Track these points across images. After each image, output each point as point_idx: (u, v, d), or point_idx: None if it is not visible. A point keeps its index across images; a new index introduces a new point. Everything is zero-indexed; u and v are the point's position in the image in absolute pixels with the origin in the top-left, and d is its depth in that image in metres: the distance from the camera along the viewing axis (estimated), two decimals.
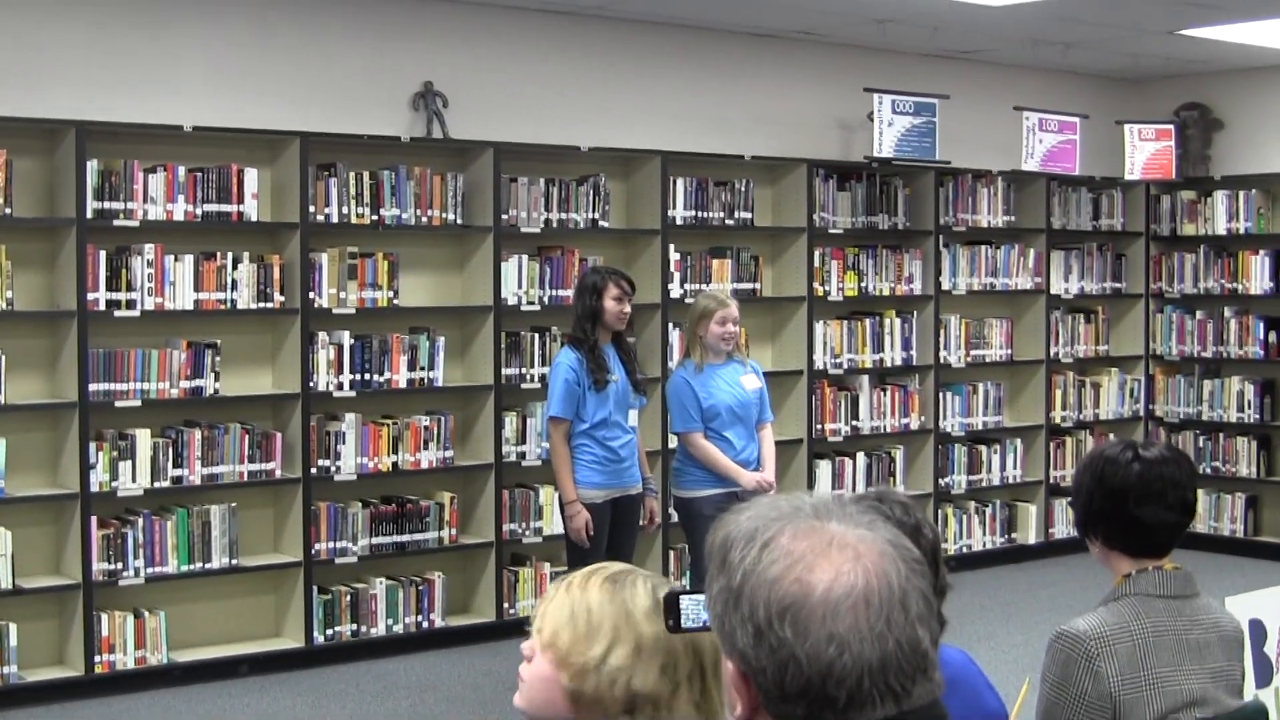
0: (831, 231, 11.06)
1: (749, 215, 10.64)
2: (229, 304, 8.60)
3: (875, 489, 3.27)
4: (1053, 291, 12.43)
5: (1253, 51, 11.63)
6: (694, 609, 2.28)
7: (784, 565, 1.76)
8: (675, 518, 8.95)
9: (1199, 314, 12.77)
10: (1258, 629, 4.99)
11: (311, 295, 8.84)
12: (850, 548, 1.77)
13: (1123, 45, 11.51)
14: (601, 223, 9.94)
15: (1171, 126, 12.52)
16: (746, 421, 8.39)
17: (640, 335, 9.90)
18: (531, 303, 9.63)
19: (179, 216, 8.44)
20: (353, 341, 9.02)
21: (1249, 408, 12.45)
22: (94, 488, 8.22)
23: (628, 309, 8.10)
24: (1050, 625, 9.81)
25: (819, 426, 11.00)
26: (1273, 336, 12.30)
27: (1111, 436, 12.73)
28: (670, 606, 2.28)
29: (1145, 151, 12.34)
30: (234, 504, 8.72)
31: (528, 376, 9.63)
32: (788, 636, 1.73)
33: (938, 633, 1.82)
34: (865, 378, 11.32)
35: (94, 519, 8.23)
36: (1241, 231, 12.50)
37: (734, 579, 1.78)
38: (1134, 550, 3.67)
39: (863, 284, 11.24)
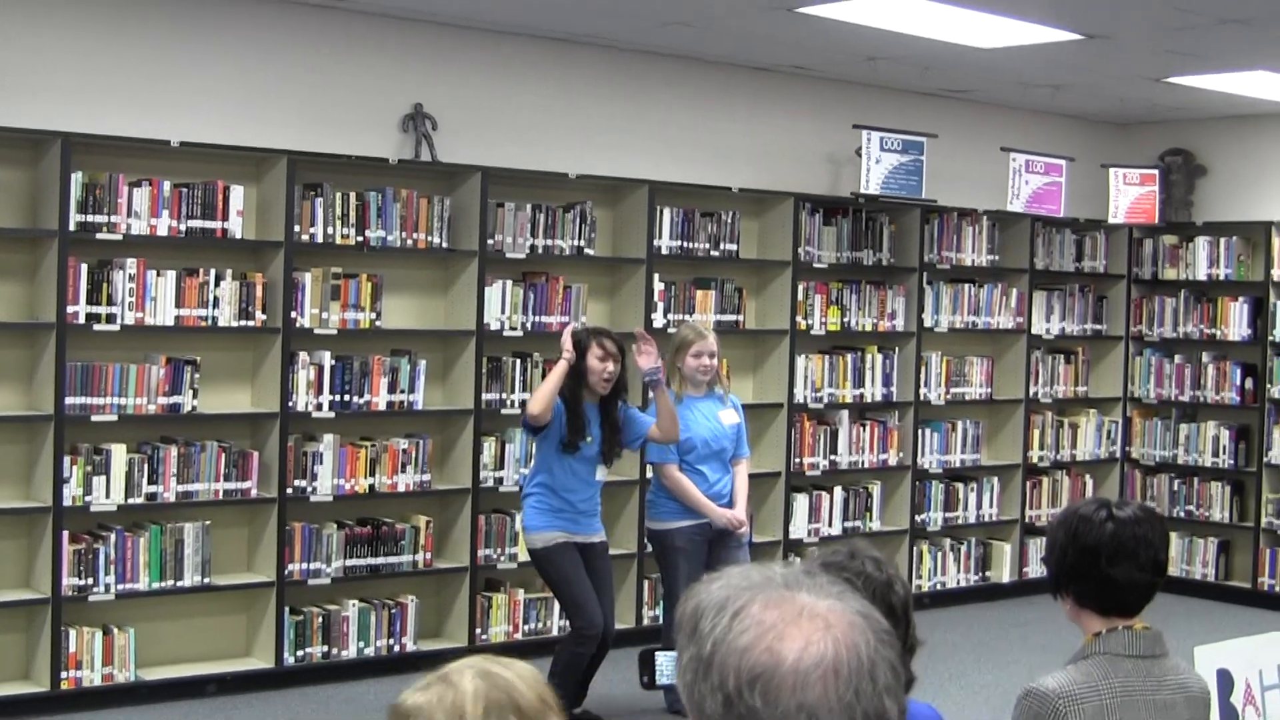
0: (816, 266, 11.08)
1: (734, 247, 10.65)
2: (210, 321, 8.58)
3: (847, 545, 3.25)
4: (1034, 331, 12.46)
5: (1237, 100, 11.69)
6: (669, 666, 2.28)
7: (754, 634, 1.76)
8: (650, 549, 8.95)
9: (1177, 358, 12.82)
10: (1224, 679, 5.00)
11: (293, 315, 8.83)
12: (820, 618, 1.78)
13: (1110, 90, 11.56)
14: (587, 250, 9.95)
15: (1156, 171, 12.56)
16: (722, 456, 8.43)
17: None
18: (514, 328, 9.63)
19: (163, 231, 8.43)
20: (333, 362, 9.00)
21: (1224, 453, 12.49)
22: (67, 502, 8.18)
23: (611, 368, 7.98)
24: (1022, 665, 9.81)
25: (797, 460, 11.01)
26: (1249, 383, 12.36)
27: (1088, 478, 12.81)
28: (645, 663, 2.28)
29: (1129, 195, 12.38)
30: (208, 522, 8.69)
31: (508, 402, 9.62)
32: (757, 705, 1.73)
33: (905, 704, 1.82)
34: (845, 412, 11.33)
35: (65, 533, 8.20)
36: (1221, 278, 12.55)
37: (704, 648, 1.78)
38: (1105, 609, 3.67)
39: (845, 319, 11.26)
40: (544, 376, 8.56)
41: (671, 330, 9.80)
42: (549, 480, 8.02)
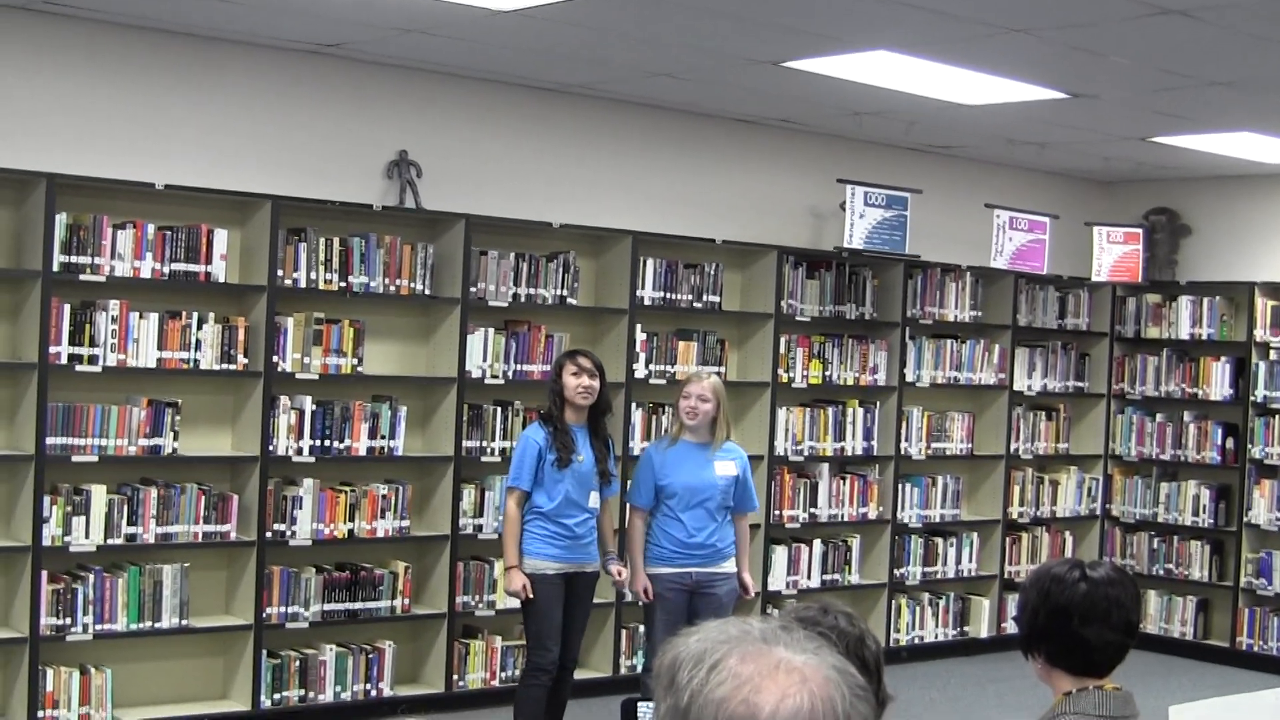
0: (799, 319, 11.10)
1: (717, 299, 10.68)
2: (192, 364, 8.58)
3: (819, 601, 3.27)
4: (1015, 388, 12.48)
5: (1222, 160, 11.75)
6: (649, 716, 2.28)
7: (731, 686, 1.77)
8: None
9: (1159, 417, 12.85)
10: None
11: (275, 359, 8.83)
12: (796, 671, 1.78)
13: (1095, 148, 11.62)
14: (570, 300, 9.96)
15: (1140, 230, 12.61)
16: (709, 506, 8.33)
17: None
18: (495, 376, 9.64)
19: (146, 274, 8.43)
20: (314, 407, 9.00)
21: (1204, 512, 12.51)
22: (46, 542, 8.16)
23: (587, 382, 8.12)
24: None
25: (777, 512, 11.01)
26: (1230, 443, 12.38)
27: (1068, 535, 12.82)
28: (627, 713, 2.29)
29: (1113, 254, 12.42)
30: (187, 564, 8.67)
31: (488, 450, 9.63)
32: None
33: None
34: (825, 465, 11.34)
35: (44, 573, 8.18)
36: (1204, 337, 12.60)
37: (681, 699, 1.79)
38: (1076, 669, 3.67)
39: (827, 372, 11.28)
40: (524, 425, 9.12)
41: (653, 381, 9.87)
42: (544, 507, 8.08)
